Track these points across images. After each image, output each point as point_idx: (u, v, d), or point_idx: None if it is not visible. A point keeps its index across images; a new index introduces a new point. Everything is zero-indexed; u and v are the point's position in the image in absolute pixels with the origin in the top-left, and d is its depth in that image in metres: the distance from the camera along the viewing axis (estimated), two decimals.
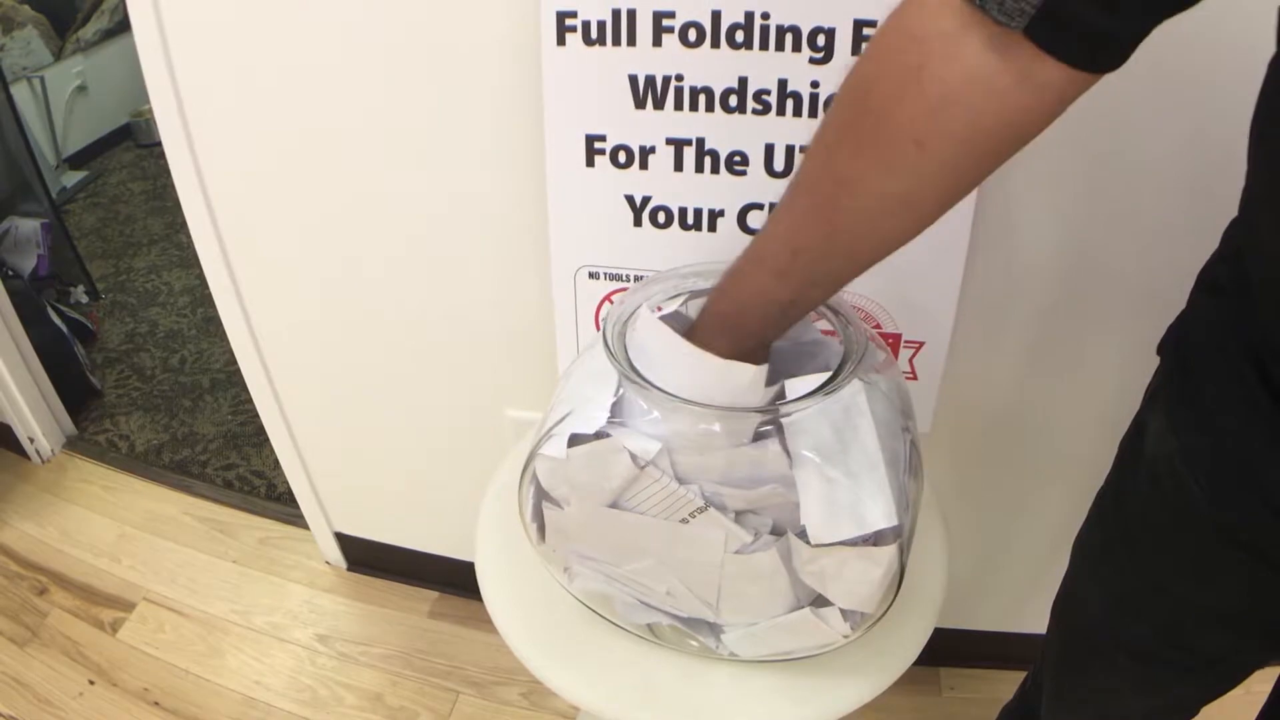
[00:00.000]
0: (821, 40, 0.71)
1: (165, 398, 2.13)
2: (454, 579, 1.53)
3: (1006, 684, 1.24)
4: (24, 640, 1.57)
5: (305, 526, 1.63)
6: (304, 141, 0.98)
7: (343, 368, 1.25)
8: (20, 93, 3.08)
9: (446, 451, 1.30)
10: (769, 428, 0.54)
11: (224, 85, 0.97)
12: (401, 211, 1.01)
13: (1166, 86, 0.73)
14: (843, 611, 0.59)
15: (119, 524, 1.79)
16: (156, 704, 1.45)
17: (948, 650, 1.40)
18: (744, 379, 0.54)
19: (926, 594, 0.73)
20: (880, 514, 0.52)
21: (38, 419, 1.90)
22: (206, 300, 2.44)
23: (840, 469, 0.51)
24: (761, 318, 0.54)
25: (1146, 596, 0.68)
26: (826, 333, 0.65)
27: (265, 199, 1.07)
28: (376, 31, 0.86)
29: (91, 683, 1.48)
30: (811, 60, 0.72)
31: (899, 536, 0.53)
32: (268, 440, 1.49)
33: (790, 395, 0.55)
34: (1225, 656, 0.68)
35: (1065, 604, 0.81)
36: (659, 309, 0.63)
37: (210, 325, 2.38)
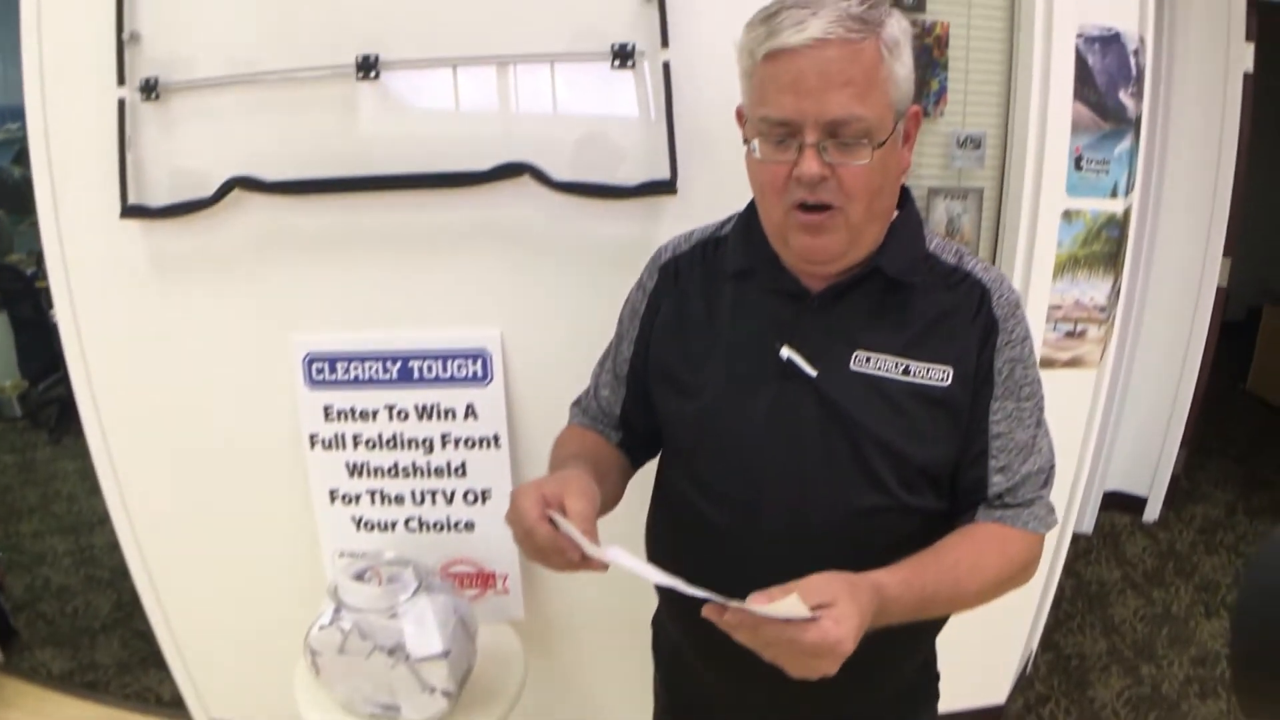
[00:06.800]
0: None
1: (68, 637, 2.68)
2: None
3: None
4: None
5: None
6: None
7: (222, 607, 1.96)
8: None
9: (283, 649, 1.86)
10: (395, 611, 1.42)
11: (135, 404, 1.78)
12: (260, 496, 1.82)
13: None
14: (443, 693, 1.45)
15: None
16: None
17: None
18: (387, 600, 1.41)
19: (505, 688, 1.60)
20: (439, 644, 1.40)
21: None
22: (86, 561, 3.08)
23: (418, 628, 1.39)
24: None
25: None
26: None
27: (159, 462, 1.83)
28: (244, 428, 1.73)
29: None
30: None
31: (449, 655, 1.41)
32: (151, 665, 2.06)
33: (401, 598, 1.43)
34: None
35: None
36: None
37: (91, 583, 2.96)
